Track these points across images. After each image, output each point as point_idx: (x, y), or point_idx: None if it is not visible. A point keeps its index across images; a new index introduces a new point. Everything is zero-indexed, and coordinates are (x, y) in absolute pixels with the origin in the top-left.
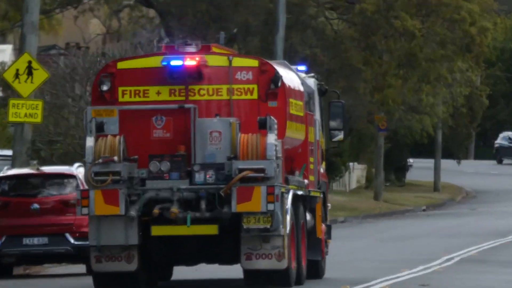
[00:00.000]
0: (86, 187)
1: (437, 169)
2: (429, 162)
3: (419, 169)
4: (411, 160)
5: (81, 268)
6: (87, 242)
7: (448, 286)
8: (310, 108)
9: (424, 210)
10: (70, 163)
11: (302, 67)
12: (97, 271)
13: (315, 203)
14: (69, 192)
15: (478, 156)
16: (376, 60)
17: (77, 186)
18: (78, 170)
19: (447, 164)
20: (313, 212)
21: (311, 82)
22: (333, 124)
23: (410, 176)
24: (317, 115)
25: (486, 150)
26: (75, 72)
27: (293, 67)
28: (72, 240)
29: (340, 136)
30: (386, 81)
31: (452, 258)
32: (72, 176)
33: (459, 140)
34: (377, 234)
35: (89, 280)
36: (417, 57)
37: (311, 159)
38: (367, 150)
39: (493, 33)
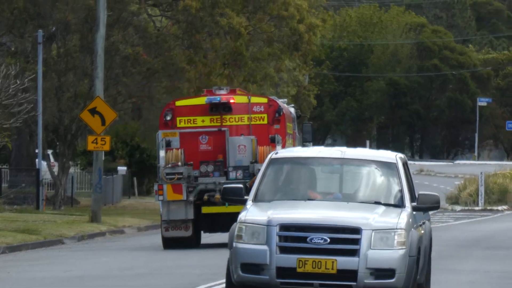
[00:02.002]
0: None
1: None
2: None
3: None
4: None
5: None
6: None
7: None
8: (294, 127)
9: None
10: None
11: (285, 100)
12: (166, 237)
13: None
14: None
15: None
16: (201, 59)
17: None
18: None
19: None
20: None
21: (292, 110)
22: (305, 137)
23: None
24: (297, 132)
25: None
26: None
27: (280, 100)
28: None
29: (309, 146)
30: (211, 81)
31: None
32: None
33: None
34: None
35: None
36: (243, 56)
37: None
38: None
39: (322, 30)
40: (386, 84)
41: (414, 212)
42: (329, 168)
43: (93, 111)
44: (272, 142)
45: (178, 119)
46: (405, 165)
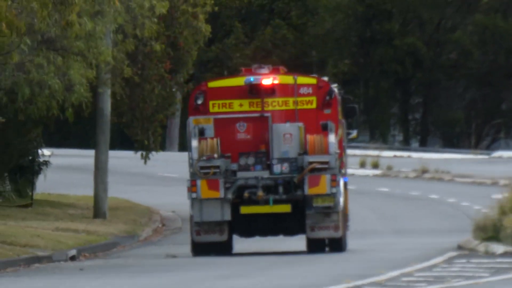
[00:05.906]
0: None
1: (101, 170)
2: (87, 156)
3: (69, 171)
4: (46, 153)
5: None
6: None
7: None
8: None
9: (73, 258)
10: None
11: (326, 77)
12: (197, 242)
13: (346, 187)
14: None
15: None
16: None
17: None
18: None
19: (128, 159)
20: (345, 194)
21: (336, 89)
22: (347, 124)
23: (45, 185)
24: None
25: None
26: None
27: (323, 78)
28: None
29: (353, 134)
30: None
31: None
32: None
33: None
34: None
35: None
36: None
37: (343, 154)
38: None
39: None
40: None
41: None
42: None
43: None
44: (324, 130)
45: (211, 103)
46: None
